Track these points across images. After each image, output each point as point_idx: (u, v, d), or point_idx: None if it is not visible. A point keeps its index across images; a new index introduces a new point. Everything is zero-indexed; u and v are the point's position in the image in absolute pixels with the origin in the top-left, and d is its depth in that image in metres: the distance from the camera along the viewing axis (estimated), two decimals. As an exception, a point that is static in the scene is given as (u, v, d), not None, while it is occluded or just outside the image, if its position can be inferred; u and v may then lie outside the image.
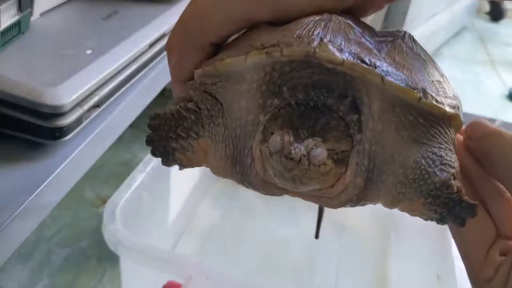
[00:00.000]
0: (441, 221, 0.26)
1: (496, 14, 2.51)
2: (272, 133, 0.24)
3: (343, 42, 0.25)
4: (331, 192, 0.26)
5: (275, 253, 0.79)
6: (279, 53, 0.24)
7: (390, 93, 0.24)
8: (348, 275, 0.78)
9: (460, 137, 0.30)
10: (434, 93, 0.26)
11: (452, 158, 0.25)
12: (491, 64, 2.10)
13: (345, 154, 0.24)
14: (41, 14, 0.60)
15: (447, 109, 0.26)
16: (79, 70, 0.50)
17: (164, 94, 1.27)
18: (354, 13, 0.29)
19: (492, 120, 1.63)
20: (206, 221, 0.86)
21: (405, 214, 0.31)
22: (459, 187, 0.25)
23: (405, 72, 0.25)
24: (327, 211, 0.59)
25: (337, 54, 0.24)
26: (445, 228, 0.51)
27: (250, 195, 0.88)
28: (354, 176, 0.25)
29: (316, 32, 0.25)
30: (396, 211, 0.28)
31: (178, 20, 0.29)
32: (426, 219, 0.26)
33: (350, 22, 0.27)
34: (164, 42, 0.68)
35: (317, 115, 0.24)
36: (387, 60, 0.25)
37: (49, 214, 0.47)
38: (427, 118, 0.25)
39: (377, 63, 0.24)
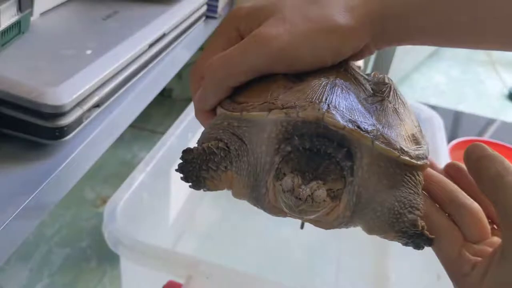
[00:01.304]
0: (405, 245, 0.33)
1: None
2: (284, 174, 0.31)
3: (344, 109, 0.32)
4: (326, 219, 0.32)
5: (275, 253, 0.79)
6: (296, 114, 0.31)
7: (376, 151, 0.32)
8: (348, 275, 0.78)
9: (434, 168, 0.37)
10: (408, 148, 0.33)
11: (419, 201, 0.33)
12: (491, 64, 2.10)
13: (339, 191, 0.31)
14: (41, 14, 0.60)
15: (419, 162, 0.33)
16: (79, 70, 0.50)
17: (164, 94, 1.27)
18: (349, 59, 0.36)
19: (492, 120, 1.63)
20: (206, 221, 0.86)
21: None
22: (423, 225, 0.32)
23: (389, 132, 0.33)
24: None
25: (340, 120, 0.31)
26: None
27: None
28: (344, 209, 0.32)
29: (324, 98, 0.32)
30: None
31: (203, 60, 0.36)
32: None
33: (348, 84, 0.34)
34: (164, 42, 0.68)
35: (319, 160, 0.31)
36: (376, 124, 0.33)
37: (49, 214, 0.47)
38: (402, 169, 0.33)
39: (369, 129, 0.32)
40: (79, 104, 0.49)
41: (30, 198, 0.43)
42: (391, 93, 0.36)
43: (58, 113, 0.46)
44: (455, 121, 1.58)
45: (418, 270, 0.72)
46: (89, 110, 0.51)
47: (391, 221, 0.32)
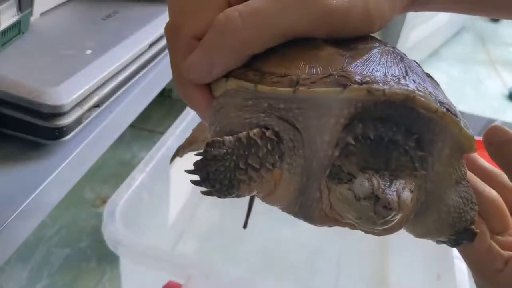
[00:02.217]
0: (442, 242, 0.29)
1: (496, 14, 2.50)
2: (349, 174, 0.24)
3: (425, 88, 0.25)
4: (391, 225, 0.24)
5: (275, 253, 0.79)
6: (382, 93, 0.24)
7: (459, 140, 0.26)
8: (348, 275, 0.78)
9: None
10: None
11: (473, 194, 0.28)
12: (491, 64, 2.10)
13: (412, 186, 0.24)
14: (41, 14, 0.60)
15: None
16: (79, 70, 0.50)
17: (164, 94, 1.27)
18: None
19: (492, 120, 1.63)
20: (206, 221, 0.86)
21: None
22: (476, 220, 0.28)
23: (461, 117, 0.26)
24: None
25: (433, 102, 0.24)
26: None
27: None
28: (411, 211, 0.25)
29: (404, 72, 0.25)
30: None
31: (219, 21, 0.27)
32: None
33: (406, 57, 0.28)
34: (164, 42, 0.68)
35: (386, 151, 0.24)
36: (451, 106, 0.26)
37: (49, 214, 0.47)
38: (461, 159, 0.27)
39: (456, 113, 0.26)
40: (78, 104, 0.49)
41: (30, 198, 0.42)
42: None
43: (57, 113, 0.46)
44: (455, 121, 1.58)
45: (418, 270, 0.72)
46: (89, 110, 0.51)
47: (454, 221, 0.27)
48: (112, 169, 1.00)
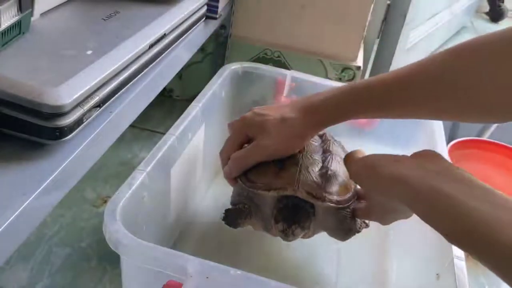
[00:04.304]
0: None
1: (495, 14, 2.50)
2: (278, 220, 0.61)
3: (306, 186, 0.61)
4: (303, 236, 0.63)
5: (275, 253, 0.79)
6: (282, 192, 0.62)
7: (325, 206, 0.61)
8: (348, 275, 0.78)
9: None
10: (343, 198, 0.63)
11: (353, 223, 0.64)
12: (491, 64, 2.09)
13: (308, 225, 0.62)
14: (42, 14, 0.60)
15: (349, 204, 0.63)
16: (79, 70, 0.50)
17: (164, 94, 1.27)
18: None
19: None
20: (206, 221, 0.86)
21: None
22: (359, 231, 0.65)
23: (330, 194, 0.62)
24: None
25: (304, 194, 0.61)
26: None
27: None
28: (312, 232, 0.64)
29: (296, 180, 0.62)
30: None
31: (227, 149, 0.68)
32: None
33: (309, 165, 0.64)
34: (164, 42, 0.68)
35: (297, 210, 0.61)
36: (323, 192, 0.62)
37: (49, 214, 0.47)
38: (340, 209, 0.62)
39: (320, 196, 0.61)
40: (79, 104, 0.49)
41: (30, 198, 0.43)
42: (332, 161, 0.66)
43: (58, 113, 0.46)
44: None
45: (417, 270, 0.72)
46: (90, 110, 0.51)
47: (341, 235, 0.65)
48: (113, 169, 1.00)
